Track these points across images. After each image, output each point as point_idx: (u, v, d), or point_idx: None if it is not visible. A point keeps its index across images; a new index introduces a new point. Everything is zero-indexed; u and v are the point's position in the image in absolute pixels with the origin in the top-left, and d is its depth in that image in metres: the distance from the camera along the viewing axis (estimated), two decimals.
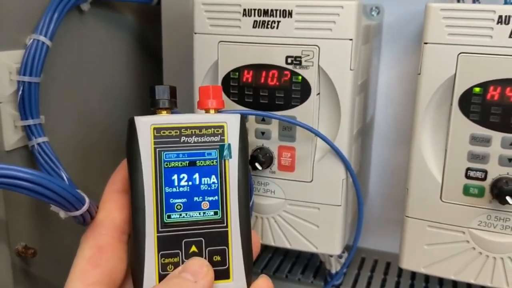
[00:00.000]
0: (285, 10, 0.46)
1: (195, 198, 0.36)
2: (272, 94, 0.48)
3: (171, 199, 0.36)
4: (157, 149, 0.36)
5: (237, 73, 0.49)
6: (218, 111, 0.38)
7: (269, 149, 0.50)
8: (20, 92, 0.48)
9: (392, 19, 0.60)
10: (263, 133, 0.50)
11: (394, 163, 0.64)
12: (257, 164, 0.49)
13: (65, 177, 0.49)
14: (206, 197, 0.36)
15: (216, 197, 0.36)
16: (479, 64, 0.43)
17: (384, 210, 0.66)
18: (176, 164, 0.36)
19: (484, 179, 0.45)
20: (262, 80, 0.48)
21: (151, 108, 0.38)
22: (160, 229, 0.35)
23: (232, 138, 0.37)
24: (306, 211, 0.51)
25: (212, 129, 0.37)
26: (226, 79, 0.50)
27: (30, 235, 0.52)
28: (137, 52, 0.68)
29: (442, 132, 0.46)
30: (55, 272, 0.55)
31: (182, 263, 0.36)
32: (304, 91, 0.48)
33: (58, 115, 0.55)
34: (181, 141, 0.36)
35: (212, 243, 0.36)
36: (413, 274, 0.61)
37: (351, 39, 0.45)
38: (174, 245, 0.36)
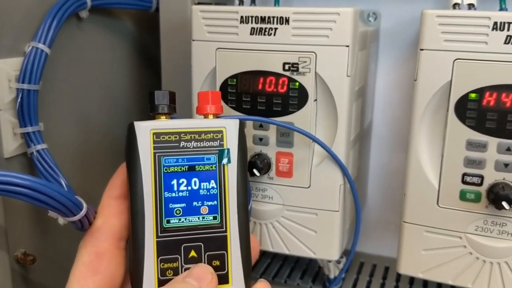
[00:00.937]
0: (282, 17, 0.47)
1: (194, 203, 0.36)
2: (270, 101, 0.49)
3: (171, 204, 0.36)
4: (157, 154, 0.36)
5: (235, 80, 0.49)
6: (217, 116, 0.39)
7: (267, 155, 0.50)
8: (19, 100, 0.48)
9: (389, 25, 0.60)
10: (261, 139, 0.50)
11: (392, 168, 0.64)
12: (255, 170, 0.49)
13: (64, 184, 0.49)
14: (205, 202, 0.37)
15: (215, 202, 0.37)
16: (474, 70, 0.43)
17: (383, 215, 0.66)
18: (176, 169, 0.36)
19: (481, 184, 0.45)
20: (260, 87, 0.49)
21: (150, 113, 0.38)
22: (159, 234, 0.36)
23: (231, 143, 0.37)
24: (304, 217, 0.51)
25: (211, 134, 0.37)
26: (224, 86, 0.50)
27: (29, 241, 0.52)
28: (136, 59, 0.69)
29: (439, 137, 0.46)
30: (54, 278, 0.55)
31: (182, 268, 0.36)
32: (301, 97, 0.48)
33: (57, 122, 0.55)
34: (181, 146, 0.36)
35: (211, 248, 0.36)
36: (412, 279, 0.62)
37: (347, 46, 0.46)
38: (173, 250, 0.36)
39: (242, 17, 0.48)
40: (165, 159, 0.36)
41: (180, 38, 0.56)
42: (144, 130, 0.36)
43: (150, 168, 0.36)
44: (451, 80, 0.44)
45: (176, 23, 0.57)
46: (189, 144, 0.37)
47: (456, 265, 0.47)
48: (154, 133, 0.36)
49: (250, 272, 0.37)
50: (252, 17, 0.48)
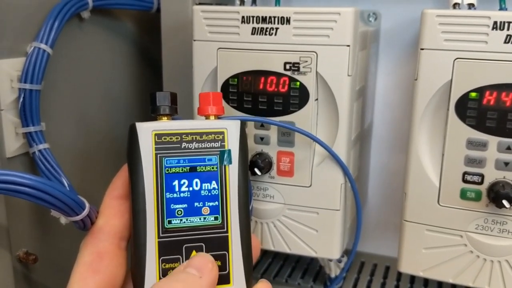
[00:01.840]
0: (283, 17, 0.47)
1: (196, 204, 0.37)
2: (271, 100, 0.49)
3: (172, 205, 0.36)
4: (158, 155, 0.36)
5: (236, 80, 0.50)
6: (218, 117, 0.39)
7: (268, 154, 0.50)
8: (21, 100, 0.48)
9: (390, 25, 0.60)
10: (262, 138, 0.50)
11: (393, 168, 0.64)
12: (256, 170, 0.49)
13: (66, 183, 0.49)
14: (206, 202, 0.37)
15: (217, 203, 0.37)
16: (475, 69, 0.43)
17: (383, 214, 0.66)
18: (177, 170, 0.36)
19: (481, 183, 0.45)
20: (261, 86, 0.49)
21: (152, 114, 0.38)
22: (161, 235, 0.36)
23: (232, 144, 0.37)
24: (305, 216, 0.51)
25: (213, 135, 0.37)
26: (225, 86, 0.50)
27: (31, 241, 0.52)
28: (137, 59, 0.69)
29: (439, 137, 0.46)
30: (56, 278, 0.55)
31: None
32: (302, 97, 0.48)
33: (58, 122, 0.55)
34: (182, 147, 0.37)
35: (212, 248, 0.36)
36: (412, 278, 0.62)
37: (348, 45, 0.46)
38: (175, 251, 0.36)
39: (243, 17, 0.48)
40: (166, 160, 0.36)
41: (181, 39, 0.57)
42: (146, 131, 0.36)
43: (151, 169, 0.36)
44: (451, 80, 0.44)
45: (177, 23, 0.57)
46: (190, 145, 0.37)
47: (457, 264, 0.48)
48: (155, 134, 0.36)
49: (251, 272, 0.37)
50: (253, 17, 0.48)
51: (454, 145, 0.45)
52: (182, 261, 0.36)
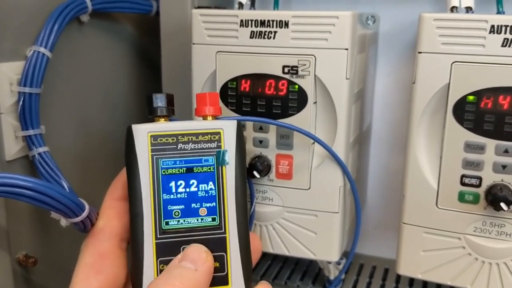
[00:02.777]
0: (282, 21, 0.47)
1: (193, 205, 0.37)
2: (269, 103, 0.49)
3: (169, 206, 0.36)
4: (155, 157, 0.36)
5: (234, 83, 0.50)
6: (215, 118, 0.39)
7: (267, 157, 0.51)
8: (20, 103, 0.48)
9: (388, 28, 0.60)
10: (261, 141, 0.51)
11: (392, 170, 0.64)
12: (255, 172, 0.49)
13: (66, 186, 0.50)
14: (203, 203, 0.37)
15: (214, 203, 0.37)
16: (472, 73, 0.43)
17: (382, 216, 0.66)
18: (174, 171, 0.37)
19: (479, 186, 0.45)
20: (260, 90, 0.49)
21: (149, 116, 0.38)
22: (158, 236, 0.36)
23: (229, 144, 0.37)
24: (304, 218, 0.51)
25: (209, 136, 0.37)
26: (224, 89, 0.50)
27: (31, 244, 0.53)
28: (136, 62, 0.69)
29: (437, 139, 0.46)
30: (56, 281, 0.55)
31: None
32: (301, 100, 0.48)
33: (58, 125, 0.55)
34: (178, 148, 0.37)
35: (210, 249, 0.36)
36: (411, 280, 0.62)
37: (346, 49, 0.46)
38: (172, 252, 0.36)
39: (242, 20, 0.48)
40: (163, 161, 0.36)
41: (180, 42, 0.57)
42: (142, 133, 0.36)
43: (148, 170, 0.36)
44: (449, 83, 0.44)
45: (176, 26, 0.57)
46: (186, 146, 0.37)
47: (455, 266, 0.48)
48: (151, 136, 0.36)
49: (251, 273, 0.38)
50: (251, 20, 0.48)
51: (452, 148, 0.45)
52: None
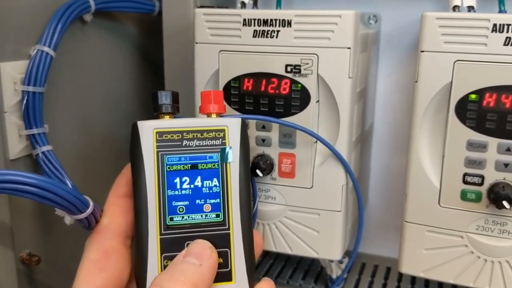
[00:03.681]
0: (284, 20, 0.47)
1: (197, 201, 0.37)
2: (272, 102, 0.49)
3: (174, 202, 0.37)
4: (160, 153, 0.37)
5: (237, 82, 0.50)
6: (219, 115, 0.39)
7: (270, 156, 0.51)
8: (24, 102, 0.48)
9: (390, 28, 0.60)
10: (263, 140, 0.51)
11: (393, 170, 0.64)
12: (258, 171, 0.49)
13: (69, 185, 0.50)
14: (208, 199, 0.37)
15: (218, 200, 0.37)
16: (474, 71, 0.44)
17: (384, 216, 0.66)
18: (178, 168, 0.37)
19: (481, 184, 0.45)
20: (262, 88, 0.49)
21: (154, 113, 0.39)
22: (163, 232, 0.36)
23: (233, 141, 0.38)
24: (306, 217, 0.52)
25: (214, 133, 0.38)
26: (227, 88, 0.50)
27: (35, 242, 0.53)
28: (139, 61, 0.69)
29: (440, 138, 0.46)
30: (59, 279, 0.55)
31: None
32: (303, 99, 0.48)
33: (61, 123, 0.55)
34: (183, 144, 0.37)
35: (214, 245, 0.36)
36: (413, 279, 0.62)
37: (349, 48, 0.46)
38: (176, 247, 0.36)
39: (244, 20, 0.48)
40: (168, 157, 0.37)
41: (182, 41, 0.57)
42: (147, 129, 0.37)
43: (153, 166, 0.36)
44: (451, 82, 0.44)
45: (178, 26, 0.57)
46: (191, 143, 0.37)
47: (457, 264, 0.48)
48: (157, 132, 0.37)
49: (254, 269, 0.38)
50: (254, 19, 0.48)
51: (454, 146, 0.46)
52: None
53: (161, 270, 0.36)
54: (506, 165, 0.44)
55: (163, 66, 0.60)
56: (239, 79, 0.50)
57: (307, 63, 0.47)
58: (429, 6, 0.57)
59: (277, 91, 0.49)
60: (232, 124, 0.38)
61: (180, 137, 0.37)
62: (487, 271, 0.47)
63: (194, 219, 0.37)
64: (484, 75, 0.43)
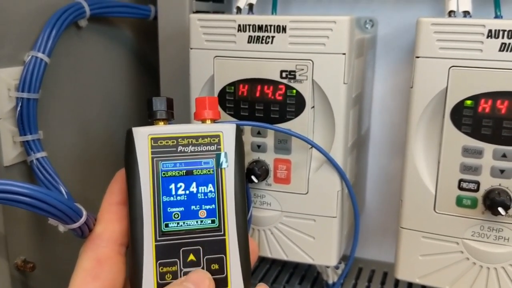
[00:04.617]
0: (279, 26, 0.47)
1: (193, 207, 0.37)
2: (267, 108, 0.49)
3: (169, 208, 0.36)
4: (155, 159, 0.36)
5: (232, 87, 0.50)
6: (214, 121, 0.39)
7: (265, 162, 0.51)
8: (18, 108, 0.48)
9: (386, 32, 0.60)
10: (259, 146, 0.51)
11: (390, 174, 0.64)
12: (253, 177, 0.49)
13: (64, 192, 0.50)
14: (203, 205, 0.37)
15: (213, 206, 0.37)
16: (470, 77, 0.43)
17: (381, 220, 0.66)
18: (173, 173, 0.37)
19: (477, 190, 0.45)
20: (258, 94, 0.49)
21: (149, 119, 0.39)
22: (158, 238, 0.36)
23: (228, 147, 0.38)
24: (302, 223, 0.51)
25: (209, 139, 0.37)
26: (222, 93, 0.50)
27: (29, 249, 0.52)
28: (135, 67, 0.69)
29: (435, 144, 0.46)
30: (54, 286, 0.55)
31: (180, 272, 0.36)
32: (298, 104, 0.48)
33: (56, 130, 0.55)
34: (178, 150, 0.37)
35: (210, 251, 0.36)
36: (410, 285, 0.62)
37: (344, 54, 0.46)
38: (172, 254, 0.36)
39: (239, 25, 0.48)
40: (163, 163, 0.37)
41: (178, 46, 0.57)
42: (142, 136, 0.37)
43: (148, 172, 0.36)
44: (446, 87, 0.44)
45: (174, 31, 0.57)
46: (186, 149, 0.37)
47: (453, 271, 0.48)
48: (151, 138, 0.37)
49: (250, 275, 0.38)
50: (249, 25, 0.48)
51: (450, 152, 0.45)
52: (180, 265, 0.36)
53: (157, 277, 0.36)
54: (502, 171, 0.44)
55: (159, 71, 0.60)
56: (234, 84, 0.50)
57: (302, 69, 0.47)
58: (425, 11, 0.57)
59: (272, 97, 0.49)
60: (227, 130, 0.38)
61: (175, 143, 0.37)
62: (483, 278, 0.47)
63: (190, 225, 0.37)
64: (479, 81, 0.43)
